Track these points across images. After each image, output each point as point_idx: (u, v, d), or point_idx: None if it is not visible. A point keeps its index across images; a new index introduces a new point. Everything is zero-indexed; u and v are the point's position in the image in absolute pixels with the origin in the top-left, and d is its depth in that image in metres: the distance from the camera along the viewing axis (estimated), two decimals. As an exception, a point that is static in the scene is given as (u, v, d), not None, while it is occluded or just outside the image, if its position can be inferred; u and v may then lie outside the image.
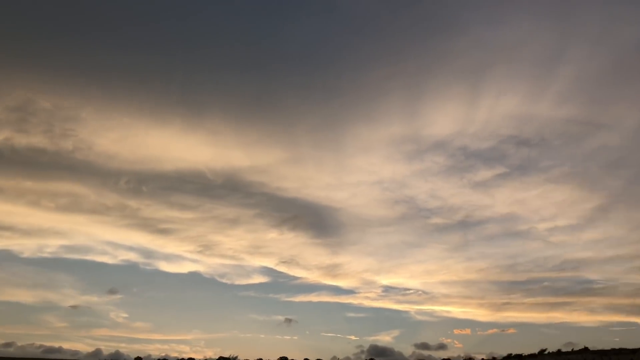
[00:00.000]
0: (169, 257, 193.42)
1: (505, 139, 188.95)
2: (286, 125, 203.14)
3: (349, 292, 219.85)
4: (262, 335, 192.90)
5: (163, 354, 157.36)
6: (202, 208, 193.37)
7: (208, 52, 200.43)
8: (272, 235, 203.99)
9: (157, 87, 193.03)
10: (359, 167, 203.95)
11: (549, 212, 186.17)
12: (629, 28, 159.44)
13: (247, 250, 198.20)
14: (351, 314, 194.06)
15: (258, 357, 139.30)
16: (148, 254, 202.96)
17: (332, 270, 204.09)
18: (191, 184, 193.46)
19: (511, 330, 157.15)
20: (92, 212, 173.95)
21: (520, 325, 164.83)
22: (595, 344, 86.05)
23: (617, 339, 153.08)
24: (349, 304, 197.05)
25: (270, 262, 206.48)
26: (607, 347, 72.18)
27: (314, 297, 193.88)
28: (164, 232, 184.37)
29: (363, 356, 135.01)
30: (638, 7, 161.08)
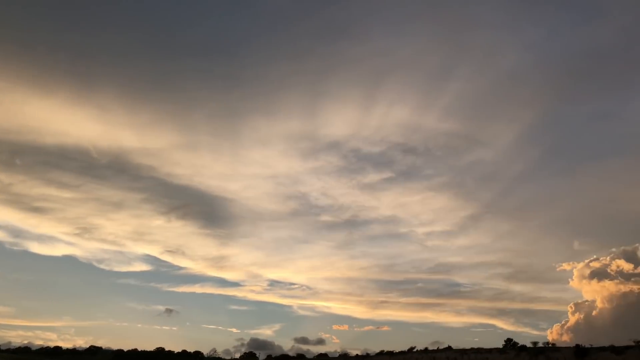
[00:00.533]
0: (41, 238, 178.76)
1: (394, 146, 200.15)
2: (183, 110, 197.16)
3: (234, 284, 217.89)
4: (139, 325, 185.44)
5: (26, 342, 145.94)
6: (83, 188, 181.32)
7: (106, 21, 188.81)
8: (159, 222, 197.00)
9: (43, 52, 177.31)
10: (254, 159, 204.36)
11: (428, 218, 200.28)
12: (506, 57, 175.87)
13: (130, 236, 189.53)
14: (234, 307, 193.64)
15: (133, 348, 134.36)
16: (17, 232, 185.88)
17: (218, 262, 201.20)
18: (73, 161, 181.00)
19: (385, 328, 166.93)
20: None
21: (394, 323, 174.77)
22: (458, 343, 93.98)
23: (477, 339, 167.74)
24: (234, 296, 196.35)
25: (154, 250, 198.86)
26: (468, 346, 79.66)
27: (197, 289, 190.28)
28: (38, 210, 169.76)
29: (243, 349, 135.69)
30: (515, 38, 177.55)
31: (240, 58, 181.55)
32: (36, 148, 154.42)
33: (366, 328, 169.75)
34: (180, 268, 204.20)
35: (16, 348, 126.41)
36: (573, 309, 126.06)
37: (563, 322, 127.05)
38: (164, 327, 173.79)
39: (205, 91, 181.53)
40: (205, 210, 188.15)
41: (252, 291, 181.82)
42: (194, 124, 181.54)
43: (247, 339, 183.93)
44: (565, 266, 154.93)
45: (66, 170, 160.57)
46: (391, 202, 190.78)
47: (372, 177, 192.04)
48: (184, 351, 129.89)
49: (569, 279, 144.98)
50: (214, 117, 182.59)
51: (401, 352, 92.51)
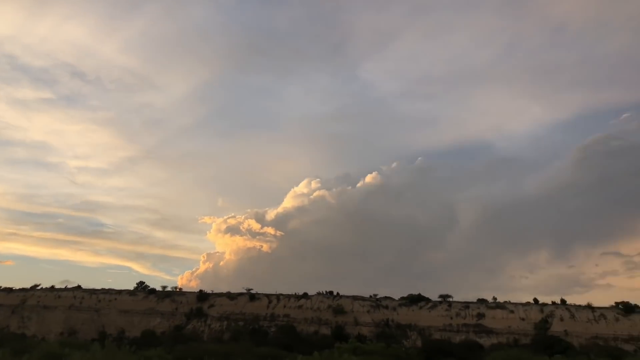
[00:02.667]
0: None
1: (61, 65, 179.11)
2: None
3: None
4: None
5: None
6: None
7: None
8: None
9: None
10: None
11: (84, 151, 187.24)
12: (199, 9, 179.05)
13: None
14: None
15: None
16: None
17: None
18: None
19: (10, 262, 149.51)
20: None
21: (21, 258, 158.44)
22: (90, 283, 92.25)
23: (111, 280, 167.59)
24: None
25: None
26: (100, 287, 79.30)
27: None
28: None
29: None
30: None
31: None
32: None
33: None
34: None
35: None
36: (205, 258, 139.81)
37: (194, 270, 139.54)
38: None
39: None
40: None
41: None
42: None
43: None
44: (207, 219, 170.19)
45: None
46: (45, 127, 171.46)
47: (27, 92, 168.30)
48: None
49: (207, 232, 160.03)
50: None
51: (22, 289, 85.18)
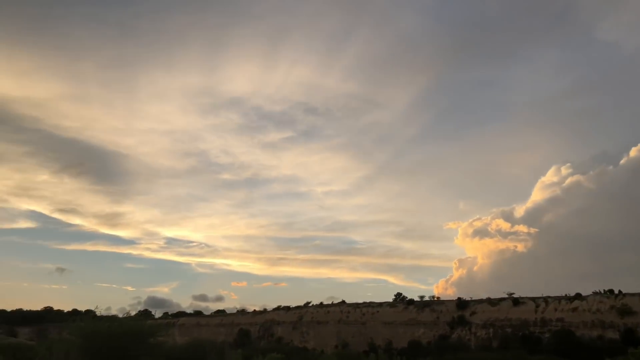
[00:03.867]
0: None
1: (295, 105, 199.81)
2: (70, 58, 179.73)
3: (130, 242, 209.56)
4: (26, 284, 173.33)
5: None
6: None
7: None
8: (44, 177, 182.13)
9: None
10: (151, 114, 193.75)
11: (326, 177, 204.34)
12: (404, 21, 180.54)
13: (13, 191, 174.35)
14: (130, 265, 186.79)
15: (17, 307, 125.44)
16: None
17: (112, 219, 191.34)
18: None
19: (283, 284, 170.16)
20: None
21: (292, 280, 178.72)
22: (351, 298, 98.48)
23: (370, 294, 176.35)
24: (129, 254, 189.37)
25: (40, 207, 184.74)
26: (361, 300, 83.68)
27: (89, 246, 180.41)
28: None
29: (139, 307, 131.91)
30: (410, 3, 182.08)
31: (136, 5, 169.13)
32: None
33: (264, 284, 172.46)
34: (71, 225, 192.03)
35: None
36: (457, 264, 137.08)
37: (448, 277, 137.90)
38: (53, 286, 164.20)
39: (95, 39, 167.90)
40: (97, 165, 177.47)
41: (149, 249, 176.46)
42: (83, 73, 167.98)
43: (143, 297, 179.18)
44: (452, 225, 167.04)
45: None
46: (291, 162, 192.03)
47: (273, 136, 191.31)
48: (75, 310, 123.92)
49: (454, 237, 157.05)
50: (106, 68, 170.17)
51: (297, 307, 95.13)
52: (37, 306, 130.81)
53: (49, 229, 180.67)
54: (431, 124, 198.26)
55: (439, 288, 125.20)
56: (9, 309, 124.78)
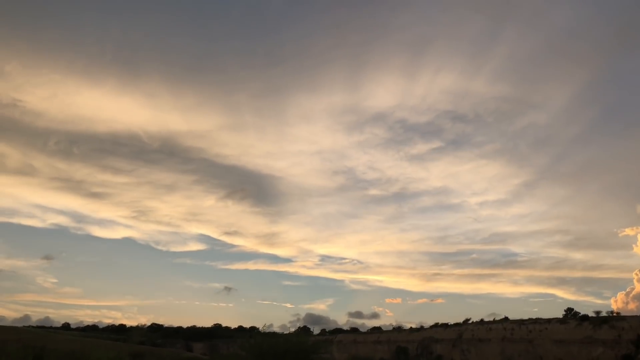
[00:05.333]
0: (101, 222, 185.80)
1: (441, 114, 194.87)
2: (226, 91, 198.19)
3: (286, 260, 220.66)
4: (197, 303, 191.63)
5: (95, 320, 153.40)
6: (137, 172, 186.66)
7: (147, 10, 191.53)
8: (210, 202, 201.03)
9: (91, 44, 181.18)
10: (299, 136, 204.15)
11: (480, 187, 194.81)
12: (559, 12, 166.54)
13: (184, 217, 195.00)
14: (288, 282, 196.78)
15: (192, 324, 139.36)
16: (79, 218, 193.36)
17: (270, 238, 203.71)
18: (125, 147, 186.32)
19: (440, 300, 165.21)
20: (17, 173, 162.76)
21: (449, 296, 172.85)
22: (515, 314, 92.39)
23: (536, 310, 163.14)
24: (286, 272, 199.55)
25: (207, 230, 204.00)
26: (526, 316, 77.82)
27: (251, 265, 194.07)
28: (96, 196, 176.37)
29: (298, 324, 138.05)
30: None
31: (280, 35, 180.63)
32: (90, 136, 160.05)
33: (420, 301, 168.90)
34: (234, 246, 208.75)
35: (85, 326, 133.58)
36: (638, 275, 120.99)
37: (628, 290, 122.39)
38: (221, 304, 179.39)
39: (247, 71, 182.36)
40: (254, 188, 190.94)
41: (304, 266, 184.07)
42: (238, 104, 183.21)
43: (302, 314, 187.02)
44: (629, 231, 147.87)
45: (119, 156, 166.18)
46: (441, 173, 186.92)
47: (420, 147, 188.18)
48: (240, 327, 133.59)
49: (633, 245, 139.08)
50: (258, 97, 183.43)
51: (456, 324, 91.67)
52: (208, 323, 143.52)
53: (216, 250, 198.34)
54: (597, 121, 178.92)
55: (618, 302, 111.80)
56: (184, 326, 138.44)
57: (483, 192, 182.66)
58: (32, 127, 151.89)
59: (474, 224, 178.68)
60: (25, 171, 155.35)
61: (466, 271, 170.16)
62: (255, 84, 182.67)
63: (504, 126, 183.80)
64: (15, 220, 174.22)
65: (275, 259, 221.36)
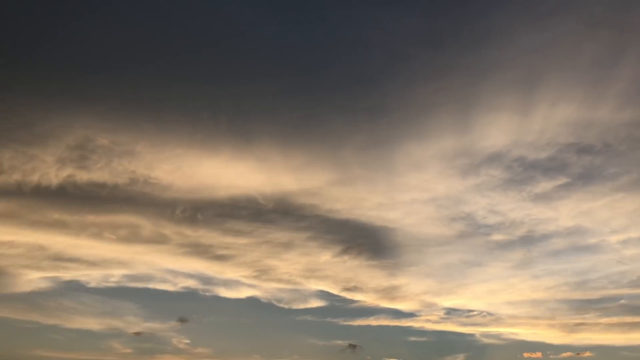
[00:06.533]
0: (227, 283, 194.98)
1: (564, 148, 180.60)
2: (333, 148, 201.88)
3: (410, 315, 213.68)
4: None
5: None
6: (255, 233, 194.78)
7: (255, 81, 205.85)
8: (326, 257, 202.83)
9: (206, 118, 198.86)
10: (411, 185, 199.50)
11: (620, 223, 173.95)
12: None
13: (302, 274, 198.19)
14: (413, 338, 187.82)
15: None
16: (207, 280, 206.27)
17: (390, 292, 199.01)
18: (244, 209, 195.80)
19: (587, 354, 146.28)
20: (151, 242, 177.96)
21: (597, 348, 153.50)
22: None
23: None
24: (410, 327, 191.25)
25: (326, 286, 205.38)
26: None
27: (373, 321, 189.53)
28: (220, 258, 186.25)
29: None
30: None
31: (381, 86, 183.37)
32: (212, 202, 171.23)
33: (564, 355, 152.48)
34: (353, 301, 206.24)
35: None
36: None
37: None
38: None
39: (352, 126, 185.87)
40: (369, 242, 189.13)
41: (429, 321, 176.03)
42: (345, 159, 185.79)
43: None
44: None
45: (239, 218, 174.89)
46: (571, 211, 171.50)
47: (544, 185, 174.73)
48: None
49: None
50: (364, 150, 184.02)
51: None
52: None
53: (336, 307, 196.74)
54: None
55: None
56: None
57: (624, 229, 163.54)
58: (161, 199, 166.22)
59: (618, 265, 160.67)
60: (157, 239, 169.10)
61: (615, 319, 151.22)
62: (361, 138, 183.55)
63: (638, 154, 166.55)
64: (151, 285, 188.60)
65: (397, 313, 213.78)
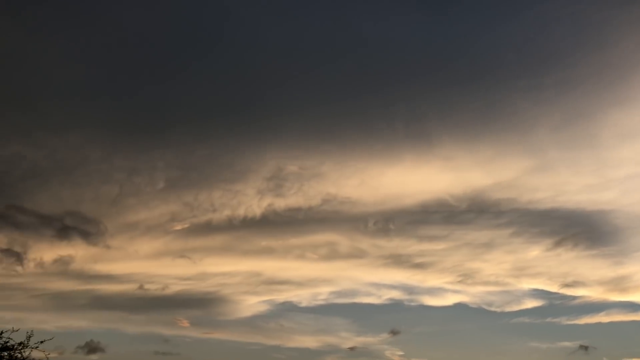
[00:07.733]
0: (431, 291, 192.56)
1: None
2: (523, 132, 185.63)
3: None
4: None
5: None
6: (452, 236, 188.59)
7: (426, 81, 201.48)
8: (535, 253, 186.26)
9: (383, 127, 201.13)
10: (624, 158, 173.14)
11: None
12: None
13: (511, 273, 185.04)
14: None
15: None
16: (410, 290, 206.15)
17: (619, 283, 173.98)
18: (436, 213, 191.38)
19: None
20: (350, 257, 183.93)
21: None
22: None
23: None
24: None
25: (540, 284, 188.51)
26: None
27: (603, 317, 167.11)
28: (420, 266, 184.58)
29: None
30: None
31: (567, 57, 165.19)
32: (401, 211, 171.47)
33: None
34: (574, 297, 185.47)
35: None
36: None
37: None
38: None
39: (539, 105, 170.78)
40: (583, 230, 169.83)
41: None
42: (539, 142, 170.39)
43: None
44: None
45: (431, 223, 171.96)
46: None
47: None
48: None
49: None
50: (559, 128, 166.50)
51: None
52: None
53: (555, 305, 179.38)
54: None
55: None
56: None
57: None
58: (352, 214, 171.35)
59: None
60: (355, 254, 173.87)
61: None
62: (552, 117, 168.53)
63: None
64: (357, 300, 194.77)
65: (632, 306, 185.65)
